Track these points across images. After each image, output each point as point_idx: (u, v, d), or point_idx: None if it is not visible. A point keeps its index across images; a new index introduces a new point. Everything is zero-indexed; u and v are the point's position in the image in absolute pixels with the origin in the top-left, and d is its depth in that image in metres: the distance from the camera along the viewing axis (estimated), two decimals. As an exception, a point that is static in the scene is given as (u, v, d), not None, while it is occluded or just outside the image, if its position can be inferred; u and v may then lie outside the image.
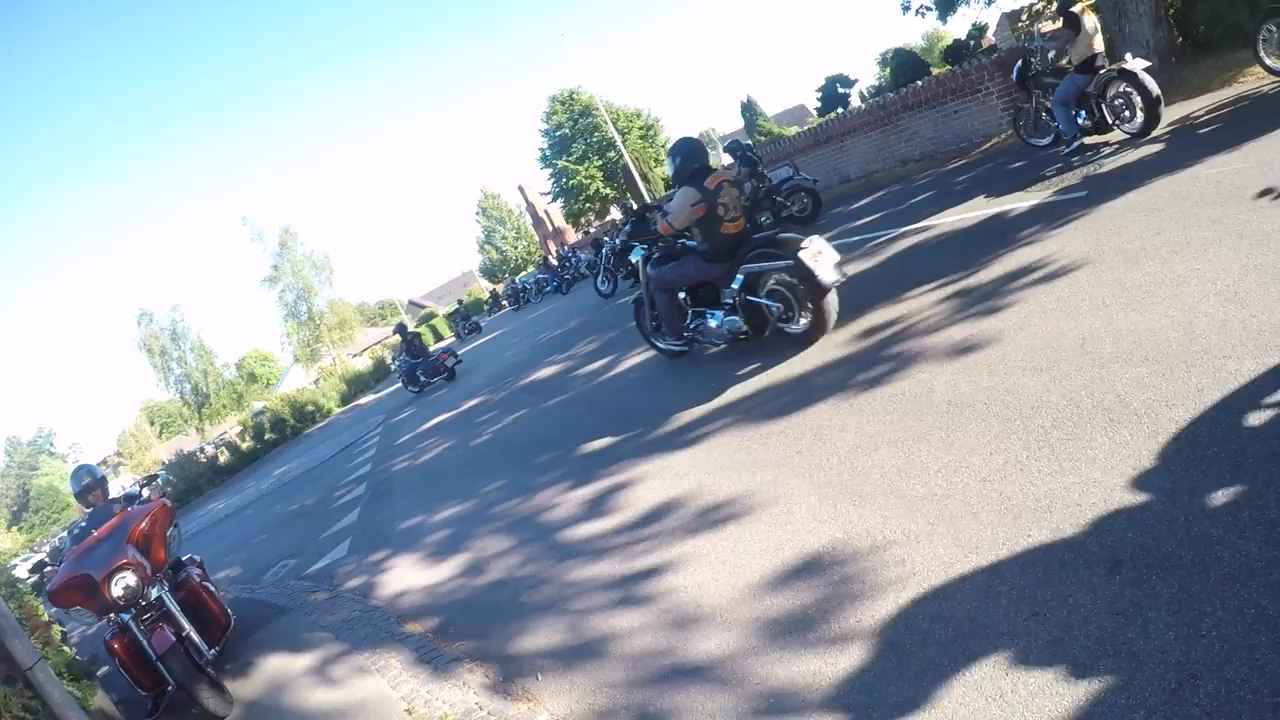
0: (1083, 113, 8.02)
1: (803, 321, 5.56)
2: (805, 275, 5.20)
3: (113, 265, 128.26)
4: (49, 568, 4.97)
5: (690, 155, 5.91)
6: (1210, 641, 1.82)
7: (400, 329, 19.15)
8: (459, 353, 18.35)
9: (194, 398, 40.02)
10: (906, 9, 21.09)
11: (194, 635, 4.67)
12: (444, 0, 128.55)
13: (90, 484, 5.31)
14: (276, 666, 4.72)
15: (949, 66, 18.07)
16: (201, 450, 33.72)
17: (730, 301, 5.87)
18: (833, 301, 5.44)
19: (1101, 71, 7.84)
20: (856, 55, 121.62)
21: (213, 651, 4.82)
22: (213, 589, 5.31)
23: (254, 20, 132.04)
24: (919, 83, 13.94)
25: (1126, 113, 7.56)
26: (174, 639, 4.29)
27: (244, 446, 28.05)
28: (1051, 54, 8.39)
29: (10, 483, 68.65)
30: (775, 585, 2.98)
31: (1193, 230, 4.38)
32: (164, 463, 32.25)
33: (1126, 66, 7.50)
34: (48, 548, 26.12)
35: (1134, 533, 2.29)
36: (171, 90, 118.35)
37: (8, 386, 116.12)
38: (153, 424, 67.39)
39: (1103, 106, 7.78)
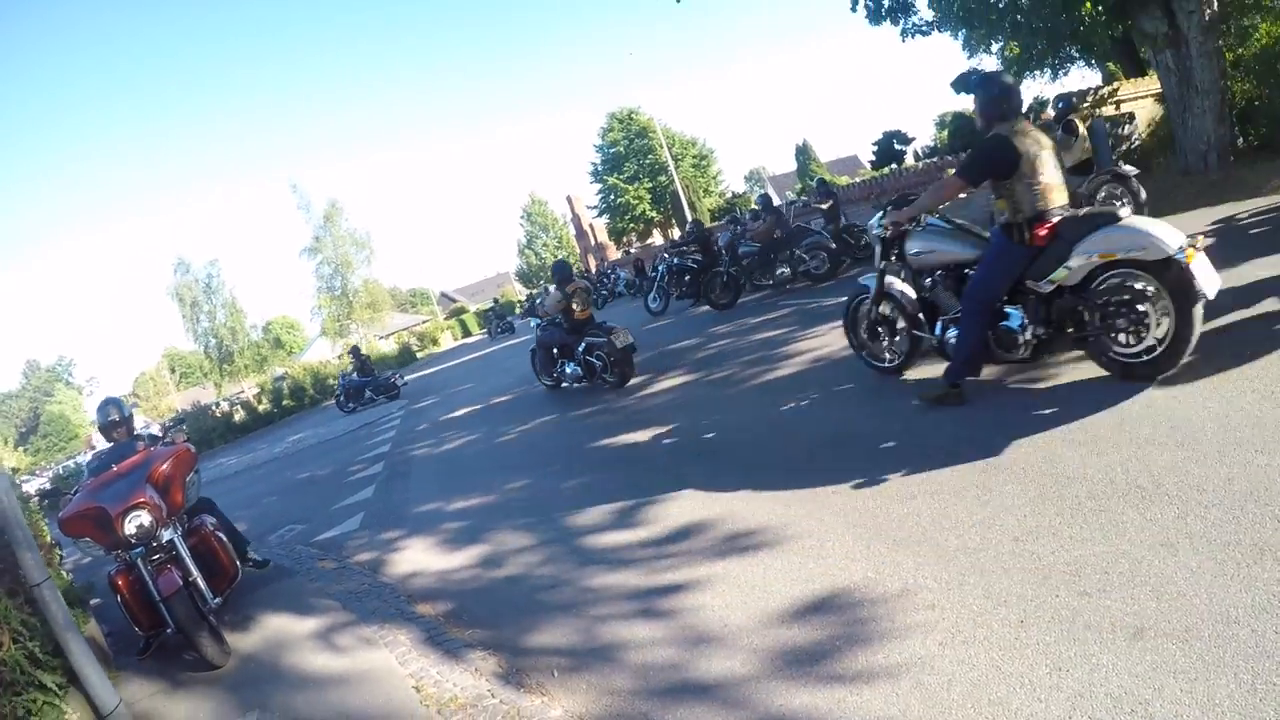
0: None
1: (614, 376, 9.05)
2: (611, 348, 8.86)
3: (159, 211, 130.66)
4: (65, 496, 4.93)
5: (561, 270, 9.73)
6: (1223, 711, 1.90)
7: (354, 351, 22.04)
8: (398, 380, 20.18)
9: (218, 353, 40.13)
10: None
11: (200, 582, 4.57)
12: (517, 10, 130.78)
13: (117, 420, 5.22)
14: (278, 625, 4.67)
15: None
16: (217, 405, 33.99)
17: (580, 358, 9.49)
18: (629, 365, 8.97)
19: (1093, 175, 8.52)
20: (915, 114, 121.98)
21: (216, 601, 4.72)
22: (224, 539, 5.20)
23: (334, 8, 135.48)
24: (978, 149, 13.97)
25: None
26: (180, 583, 4.20)
27: (260, 408, 28.36)
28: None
29: (23, 404, 69.42)
30: (804, 614, 3.01)
31: (1234, 331, 4.44)
32: (178, 410, 32.60)
33: (1119, 170, 8.31)
34: (50, 474, 26.35)
35: (1156, 602, 2.36)
36: (245, 60, 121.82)
37: (37, 309, 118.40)
38: (173, 371, 68.00)
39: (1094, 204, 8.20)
